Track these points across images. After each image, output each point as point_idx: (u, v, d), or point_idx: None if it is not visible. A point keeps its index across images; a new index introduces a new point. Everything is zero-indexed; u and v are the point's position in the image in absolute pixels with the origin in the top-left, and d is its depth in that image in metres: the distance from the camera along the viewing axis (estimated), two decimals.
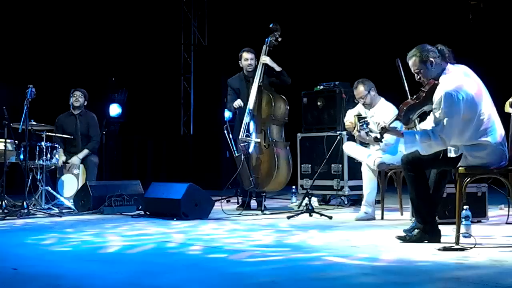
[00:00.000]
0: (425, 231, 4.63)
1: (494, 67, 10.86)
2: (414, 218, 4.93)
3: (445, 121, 4.42)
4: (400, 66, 5.38)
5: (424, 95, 4.63)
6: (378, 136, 4.92)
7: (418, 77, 4.67)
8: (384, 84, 7.01)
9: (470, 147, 4.48)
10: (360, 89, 6.49)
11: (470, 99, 4.45)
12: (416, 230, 4.66)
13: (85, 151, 8.04)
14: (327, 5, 12.24)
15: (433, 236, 4.63)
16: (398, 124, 5.03)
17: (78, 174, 7.95)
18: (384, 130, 4.79)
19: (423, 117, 4.98)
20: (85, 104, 8.28)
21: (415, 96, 4.73)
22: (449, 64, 4.63)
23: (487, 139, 4.46)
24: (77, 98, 8.17)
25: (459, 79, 4.51)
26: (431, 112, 4.62)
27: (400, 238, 4.75)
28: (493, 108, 4.59)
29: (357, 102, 6.75)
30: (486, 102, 4.54)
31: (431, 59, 4.58)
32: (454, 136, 4.47)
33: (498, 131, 4.52)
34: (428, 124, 4.80)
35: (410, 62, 4.67)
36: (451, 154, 4.54)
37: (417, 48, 4.66)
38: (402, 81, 5.51)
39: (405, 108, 4.71)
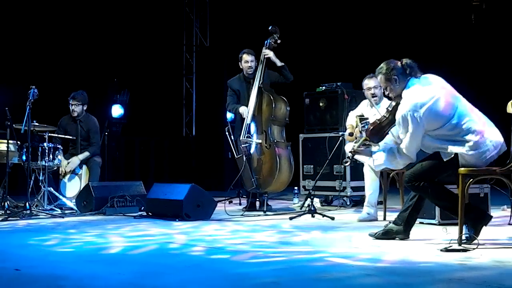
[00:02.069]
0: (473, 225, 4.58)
1: (496, 68, 10.87)
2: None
3: (406, 139, 4.60)
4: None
5: (389, 115, 4.80)
6: (349, 158, 5.15)
7: (387, 92, 4.82)
8: None
9: (458, 145, 4.47)
10: (376, 79, 6.48)
11: (429, 111, 4.50)
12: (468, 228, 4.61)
13: (86, 154, 8.02)
14: (329, 6, 12.24)
15: (485, 219, 4.61)
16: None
17: (80, 174, 7.95)
18: (354, 153, 5.07)
19: None
20: (85, 108, 8.21)
21: (382, 116, 4.89)
22: (412, 79, 4.68)
23: (470, 138, 4.46)
24: (74, 109, 8.11)
25: (416, 94, 4.56)
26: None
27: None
28: (465, 106, 4.60)
29: (358, 102, 6.75)
30: (451, 106, 4.53)
31: (395, 76, 4.69)
32: (417, 150, 4.65)
33: (475, 126, 4.51)
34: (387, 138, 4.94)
35: (377, 79, 4.90)
36: (446, 158, 4.54)
37: (382, 66, 4.78)
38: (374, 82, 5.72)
39: (372, 128, 4.88)
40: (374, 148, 5.02)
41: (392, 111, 4.74)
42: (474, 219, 4.57)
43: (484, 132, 4.51)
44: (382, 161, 4.84)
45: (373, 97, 6.53)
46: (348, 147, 6.62)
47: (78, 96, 8.14)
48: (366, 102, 6.73)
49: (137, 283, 3.54)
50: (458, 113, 4.54)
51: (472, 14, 11.05)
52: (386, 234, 4.91)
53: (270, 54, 7.46)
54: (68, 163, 7.88)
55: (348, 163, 5.24)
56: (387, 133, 4.89)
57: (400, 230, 4.87)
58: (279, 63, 7.50)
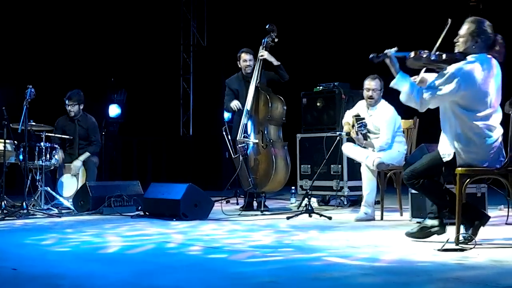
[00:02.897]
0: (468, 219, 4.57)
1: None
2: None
3: (435, 90, 4.47)
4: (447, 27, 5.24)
5: (443, 59, 4.58)
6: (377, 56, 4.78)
7: (456, 40, 4.65)
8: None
9: (463, 144, 4.47)
10: (377, 82, 6.49)
11: (474, 90, 4.43)
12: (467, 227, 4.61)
13: (87, 154, 8.03)
14: (326, 5, 12.25)
15: (484, 219, 4.60)
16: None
17: (78, 174, 7.94)
18: (385, 56, 4.71)
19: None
20: (82, 107, 8.20)
21: (436, 54, 4.62)
22: (485, 54, 4.57)
23: (482, 135, 4.46)
24: (70, 109, 8.11)
25: (477, 70, 4.47)
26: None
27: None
28: (498, 109, 4.58)
29: (355, 102, 6.75)
30: (493, 102, 4.52)
31: (479, 39, 4.55)
32: (432, 105, 4.53)
33: (496, 130, 4.52)
34: (379, 141, 4.79)
35: (464, 25, 4.64)
36: (445, 158, 4.53)
37: (478, 21, 4.61)
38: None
39: (419, 53, 4.61)
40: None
41: (446, 60, 4.56)
42: (472, 219, 4.57)
43: (497, 139, 4.51)
44: (404, 88, 4.59)
45: (369, 98, 6.53)
46: (348, 116, 6.61)
47: (74, 96, 8.12)
48: (362, 102, 6.74)
49: (134, 282, 3.54)
50: (489, 110, 4.49)
51: (469, 14, 11.05)
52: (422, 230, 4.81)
53: (265, 54, 7.45)
54: (71, 168, 7.88)
55: (376, 57, 4.80)
56: (422, 68, 4.72)
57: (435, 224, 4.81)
58: (275, 62, 7.50)
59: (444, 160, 4.54)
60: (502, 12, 10.91)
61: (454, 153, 4.51)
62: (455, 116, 4.50)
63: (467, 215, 4.55)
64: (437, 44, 4.80)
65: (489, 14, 10.94)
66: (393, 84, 4.70)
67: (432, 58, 4.61)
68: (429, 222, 4.78)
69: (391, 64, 4.73)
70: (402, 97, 4.63)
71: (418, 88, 4.59)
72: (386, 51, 4.73)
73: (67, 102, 8.10)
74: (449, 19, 4.93)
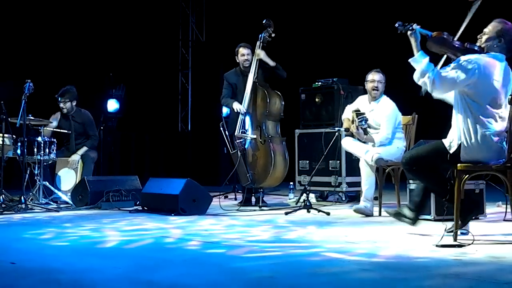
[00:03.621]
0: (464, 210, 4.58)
1: None
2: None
3: (449, 71, 4.48)
4: (475, 8, 5.19)
5: (463, 48, 4.61)
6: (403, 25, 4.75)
7: (480, 36, 4.68)
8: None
9: (469, 138, 4.47)
10: (381, 75, 6.50)
11: (485, 83, 4.46)
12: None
13: (84, 149, 8.04)
14: (325, 1, 12.24)
15: (473, 210, 4.64)
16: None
17: (76, 168, 7.94)
18: (412, 29, 4.69)
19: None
20: (75, 104, 8.18)
21: (460, 42, 4.67)
22: (503, 55, 4.60)
23: (487, 131, 4.46)
24: (63, 106, 8.09)
25: (493, 63, 4.51)
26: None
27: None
28: (505, 106, 4.58)
29: (354, 98, 6.75)
30: (501, 102, 4.53)
31: (502, 39, 4.59)
32: (443, 91, 4.57)
33: (500, 126, 4.52)
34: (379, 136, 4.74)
35: (492, 23, 4.67)
36: (451, 149, 4.53)
37: (505, 23, 4.64)
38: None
39: (444, 36, 4.63)
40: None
41: (468, 49, 4.59)
42: (463, 210, 4.57)
43: (501, 135, 4.52)
44: (423, 64, 4.54)
45: (374, 90, 6.53)
46: (348, 111, 6.63)
47: (66, 93, 8.10)
48: (363, 98, 6.73)
49: (133, 276, 3.54)
50: (496, 109, 4.51)
51: (468, 11, 11.04)
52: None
53: (261, 54, 7.43)
54: (69, 163, 7.88)
55: (404, 27, 4.75)
56: (442, 53, 4.75)
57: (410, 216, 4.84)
58: (271, 63, 7.46)
59: (450, 150, 4.54)
60: (501, 9, 10.90)
61: (460, 145, 4.50)
62: (466, 107, 4.52)
63: (461, 212, 4.56)
64: (460, 31, 4.83)
65: (488, 11, 10.96)
66: (411, 60, 4.68)
67: (455, 44, 4.64)
68: (406, 212, 4.85)
69: (413, 39, 4.72)
70: (416, 75, 4.61)
71: (434, 68, 4.58)
72: (413, 24, 4.71)
73: (59, 99, 8.09)
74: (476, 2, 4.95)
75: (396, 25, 4.74)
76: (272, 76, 7.60)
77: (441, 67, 4.66)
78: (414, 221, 4.81)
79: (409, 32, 4.70)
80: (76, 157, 7.94)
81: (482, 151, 4.48)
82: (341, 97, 8.15)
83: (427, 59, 4.61)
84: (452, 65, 4.53)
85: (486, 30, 4.68)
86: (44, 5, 11.40)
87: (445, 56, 4.82)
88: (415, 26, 4.71)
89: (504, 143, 4.52)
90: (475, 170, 4.56)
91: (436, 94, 4.68)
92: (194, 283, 3.35)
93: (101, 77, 11.36)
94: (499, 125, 4.51)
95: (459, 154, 4.51)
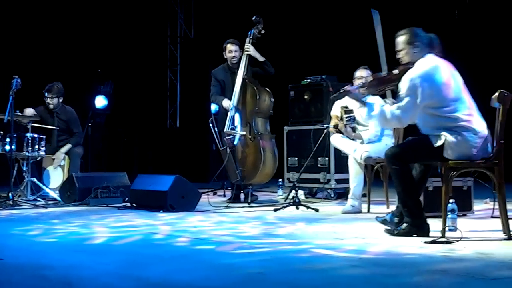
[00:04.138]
0: (413, 224, 4.64)
1: (480, 63, 10.93)
2: (392, 211, 4.96)
3: (405, 101, 4.53)
4: (376, 20, 5.30)
5: (395, 73, 4.70)
6: (336, 94, 4.97)
7: (399, 56, 4.75)
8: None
9: (451, 134, 4.49)
10: (368, 72, 6.52)
11: (437, 86, 4.51)
12: (405, 224, 4.67)
13: (68, 146, 7.98)
14: None
15: (422, 229, 4.63)
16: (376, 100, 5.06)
17: (63, 165, 7.91)
18: (346, 92, 4.87)
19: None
20: (61, 100, 8.13)
21: (387, 72, 4.81)
22: (431, 54, 4.67)
23: (464, 125, 4.49)
24: (49, 102, 8.04)
25: (431, 67, 4.56)
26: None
27: (388, 231, 4.76)
28: (468, 99, 4.62)
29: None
30: (457, 93, 4.57)
31: (417, 43, 4.66)
32: (411, 119, 4.61)
33: (477, 122, 4.55)
34: (368, 133, 4.95)
35: (398, 39, 4.75)
36: (436, 143, 4.55)
37: (409, 29, 4.73)
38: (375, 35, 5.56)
39: (374, 79, 4.80)
40: (364, 135, 4.85)
41: (400, 74, 4.65)
42: (414, 224, 4.62)
43: (480, 132, 4.53)
44: (375, 113, 4.68)
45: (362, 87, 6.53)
46: (337, 107, 6.66)
47: (53, 88, 8.05)
48: None
49: (122, 273, 3.53)
50: (462, 103, 4.54)
51: (455, 9, 11.10)
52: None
53: (250, 50, 7.44)
54: (54, 160, 7.83)
55: (336, 95, 5.04)
56: (383, 92, 4.85)
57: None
58: (260, 58, 7.48)
59: (435, 145, 4.54)
60: (488, 7, 10.97)
61: (445, 139, 4.52)
62: (430, 116, 4.56)
63: (415, 216, 4.61)
64: (384, 63, 4.97)
65: (476, 10, 11.00)
66: (367, 117, 4.84)
67: (388, 76, 4.76)
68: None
69: (354, 98, 4.93)
70: (381, 124, 4.76)
71: (389, 108, 4.65)
72: (344, 88, 4.94)
73: (46, 94, 8.04)
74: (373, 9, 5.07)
75: (331, 98, 5.07)
76: (260, 73, 7.59)
77: (396, 98, 4.71)
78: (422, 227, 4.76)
79: (347, 97, 4.95)
80: (60, 155, 7.89)
81: (462, 148, 4.50)
82: (330, 94, 8.14)
83: (376, 104, 4.76)
84: (402, 93, 4.57)
85: (398, 48, 4.76)
86: (32, 0, 11.33)
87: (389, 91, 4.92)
88: (347, 87, 4.93)
89: (484, 138, 4.54)
90: (463, 167, 4.59)
91: (408, 123, 4.71)
92: (183, 279, 3.35)
93: (89, 73, 11.33)
94: (475, 121, 4.54)
95: (442, 149, 4.54)
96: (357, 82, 6.56)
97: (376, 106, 4.73)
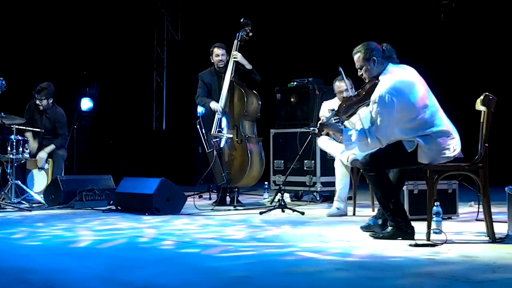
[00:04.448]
0: (397, 228, 4.66)
1: (465, 66, 11.00)
2: (374, 215, 4.97)
3: (379, 121, 4.56)
4: (342, 73, 5.51)
5: (364, 93, 4.78)
6: (316, 131, 5.00)
7: (361, 73, 4.79)
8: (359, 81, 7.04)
9: (422, 138, 4.53)
10: (342, 84, 6.50)
11: (406, 98, 4.53)
12: (390, 227, 4.69)
13: (52, 147, 7.92)
14: (301, 1, 12.26)
15: (406, 233, 4.65)
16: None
17: (47, 168, 7.85)
18: (322, 126, 4.90)
19: None
20: (51, 101, 8.07)
21: (356, 93, 4.89)
22: (390, 64, 4.71)
23: (436, 130, 4.53)
24: (39, 103, 7.98)
25: (396, 79, 4.59)
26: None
27: (373, 235, 4.77)
28: (435, 102, 4.66)
29: (329, 98, 6.76)
30: (424, 98, 4.60)
31: (374, 58, 4.69)
32: (390, 135, 4.59)
33: (446, 124, 4.61)
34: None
35: (355, 58, 4.78)
36: (408, 148, 4.58)
37: (362, 45, 4.76)
38: (345, 84, 5.91)
39: (344, 105, 4.85)
40: (347, 124, 4.93)
41: (367, 91, 4.69)
42: (398, 227, 4.64)
43: (451, 133, 4.58)
44: (353, 139, 4.69)
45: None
46: (324, 110, 6.67)
47: (43, 90, 7.98)
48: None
49: (106, 276, 3.51)
50: (430, 108, 4.60)
51: (441, 12, 11.17)
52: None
53: (238, 57, 7.42)
54: (37, 160, 7.78)
55: (316, 132, 5.07)
56: (355, 112, 4.89)
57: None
58: (248, 66, 7.45)
59: (409, 150, 4.58)
60: (474, 11, 11.03)
61: (417, 144, 4.55)
62: (402, 127, 4.58)
63: (398, 218, 4.64)
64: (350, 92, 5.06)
65: (461, 13, 11.06)
66: (344, 144, 4.80)
67: (357, 97, 4.81)
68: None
69: (332, 129, 4.93)
70: (361, 148, 4.76)
71: (366, 130, 4.67)
72: (320, 122, 4.99)
73: (36, 96, 8.00)
74: (339, 67, 5.24)
75: (314, 136, 5.09)
76: (246, 79, 7.58)
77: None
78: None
79: (324, 129, 4.92)
80: (43, 154, 7.82)
81: (434, 151, 4.54)
82: (316, 97, 8.17)
83: (352, 131, 4.76)
84: (373, 115, 4.59)
85: (357, 65, 4.79)
86: (17, 2, 11.26)
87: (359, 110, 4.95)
88: (322, 120, 5.01)
89: (455, 138, 4.59)
90: (447, 170, 4.61)
91: (388, 142, 4.68)
92: (168, 283, 3.33)
93: (75, 75, 11.27)
94: (444, 123, 4.59)
95: (416, 154, 4.56)
96: (338, 96, 6.55)
97: (353, 132, 4.74)
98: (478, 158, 4.56)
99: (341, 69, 5.42)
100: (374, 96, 4.57)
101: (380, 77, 4.66)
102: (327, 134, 6.62)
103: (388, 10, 11.45)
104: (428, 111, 4.58)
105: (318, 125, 4.98)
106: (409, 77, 4.65)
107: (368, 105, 4.71)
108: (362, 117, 5.16)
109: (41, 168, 7.84)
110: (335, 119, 5.95)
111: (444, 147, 4.56)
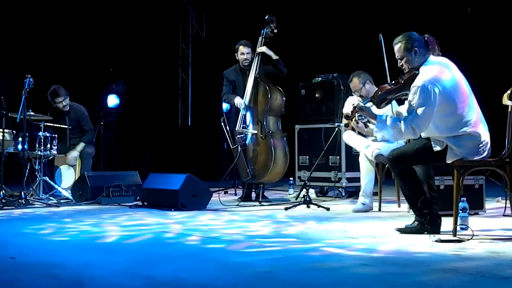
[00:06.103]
0: (424, 222, 4.64)
1: (492, 60, 10.87)
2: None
3: (418, 111, 4.47)
4: (382, 42, 5.37)
5: (402, 82, 4.69)
6: (350, 114, 4.96)
7: (401, 64, 4.72)
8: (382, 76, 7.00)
9: (453, 139, 4.49)
10: (355, 82, 6.48)
11: (447, 92, 4.46)
12: (416, 222, 4.67)
13: (82, 145, 8.00)
14: None
15: (433, 227, 4.62)
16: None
17: (75, 165, 7.94)
18: (356, 109, 4.83)
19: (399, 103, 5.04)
20: (67, 100, 8.07)
21: (393, 82, 4.80)
22: (432, 55, 4.65)
23: (469, 131, 4.48)
24: (58, 105, 7.99)
25: (438, 71, 4.52)
26: (406, 100, 4.67)
27: (399, 229, 4.75)
28: (474, 101, 4.60)
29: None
30: (466, 95, 4.54)
31: (416, 48, 4.61)
32: (426, 128, 4.52)
33: (480, 123, 4.55)
34: (404, 108, 4.84)
35: (395, 48, 4.71)
36: (437, 148, 4.55)
37: (404, 35, 4.69)
38: (382, 57, 5.56)
39: (380, 92, 4.76)
40: (379, 111, 4.90)
41: (406, 81, 4.61)
42: (425, 222, 4.62)
43: (483, 138, 4.52)
44: (388, 123, 4.62)
45: (360, 97, 6.50)
46: (349, 105, 6.64)
47: (59, 91, 7.94)
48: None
49: (132, 271, 3.55)
50: (470, 108, 4.52)
51: (468, 6, 11.05)
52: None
53: (263, 49, 7.44)
54: (68, 159, 7.86)
55: (349, 119, 5.06)
56: (390, 102, 4.85)
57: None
58: (274, 56, 7.48)
59: (435, 149, 4.55)
60: (501, 4, 10.90)
61: (446, 145, 4.51)
62: (437, 122, 4.51)
63: (425, 214, 4.62)
64: (386, 66, 4.94)
65: (488, 6, 10.93)
66: (377, 128, 4.72)
67: (396, 86, 4.71)
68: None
69: (366, 113, 4.88)
70: (393, 136, 4.69)
71: (401, 118, 4.61)
72: (355, 105, 4.93)
73: (56, 99, 7.94)
74: (379, 34, 5.08)
75: (345, 125, 4.99)
76: (272, 72, 7.59)
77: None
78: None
79: (357, 115, 4.92)
80: (74, 153, 7.92)
81: (463, 154, 4.50)
82: (341, 93, 8.14)
83: (387, 116, 4.69)
84: (413, 104, 4.50)
85: (397, 56, 4.71)
86: (44, 0, 11.38)
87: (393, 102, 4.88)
88: (359, 104, 4.90)
89: (486, 145, 4.54)
90: (474, 165, 4.57)
91: (421, 133, 4.64)
92: (193, 278, 3.36)
93: (101, 72, 11.37)
94: (480, 128, 4.53)
95: (443, 154, 4.52)
96: (362, 92, 6.51)
97: (387, 118, 4.67)
98: (505, 153, 4.51)
99: (381, 37, 5.32)
100: (416, 85, 4.47)
101: (421, 68, 4.58)
102: (353, 129, 6.62)
103: (414, 4, 11.36)
104: (467, 109, 4.49)
105: (353, 107, 4.92)
106: (450, 71, 4.58)
107: (404, 96, 4.66)
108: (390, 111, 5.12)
109: (70, 165, 7.93)
110: (358, 115, 5.93)
111: (473, 150, 4.50)
